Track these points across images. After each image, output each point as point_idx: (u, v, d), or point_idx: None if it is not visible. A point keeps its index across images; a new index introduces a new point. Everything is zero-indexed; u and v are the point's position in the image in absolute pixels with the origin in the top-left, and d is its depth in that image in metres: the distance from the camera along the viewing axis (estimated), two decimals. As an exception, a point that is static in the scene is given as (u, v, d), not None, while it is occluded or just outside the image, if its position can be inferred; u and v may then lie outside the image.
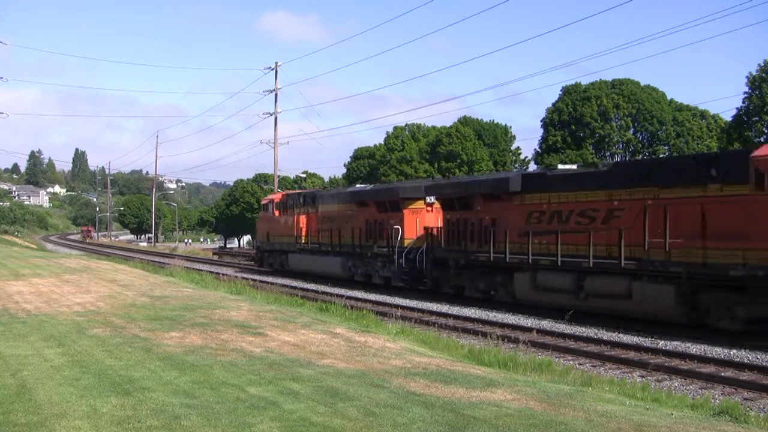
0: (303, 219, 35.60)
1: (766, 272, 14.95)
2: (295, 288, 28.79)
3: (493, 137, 78.29)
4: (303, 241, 35.30)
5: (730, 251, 15.74)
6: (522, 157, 79.13)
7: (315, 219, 34.50)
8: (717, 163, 16.52)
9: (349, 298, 24.21)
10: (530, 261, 20.96)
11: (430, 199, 27.55)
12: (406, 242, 27.45)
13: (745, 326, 15.87)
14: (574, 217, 19.90)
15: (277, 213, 39.22)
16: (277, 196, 40.87)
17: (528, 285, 21.19)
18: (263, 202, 43.72)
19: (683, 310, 17.08)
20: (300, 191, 43.05)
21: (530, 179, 21.90)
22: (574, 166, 22.80)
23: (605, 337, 16.74)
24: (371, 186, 34.04)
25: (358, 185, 38.00)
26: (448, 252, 24.80)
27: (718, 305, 16.38)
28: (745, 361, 13.99)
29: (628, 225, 18.12)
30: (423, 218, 27.72)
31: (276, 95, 51.58)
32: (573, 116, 68.23)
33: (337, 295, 25.15)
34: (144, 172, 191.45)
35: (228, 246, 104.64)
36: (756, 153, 15.66)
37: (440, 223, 26.13)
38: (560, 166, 23.19)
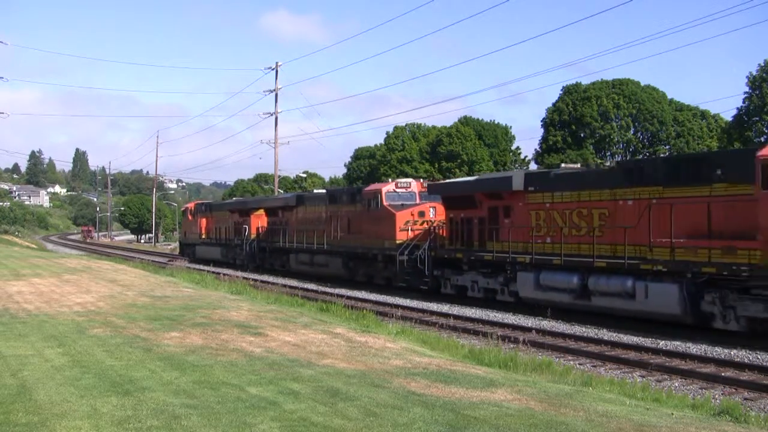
0: (203, 221, 50.45)
1: (368, 251, 29.05)
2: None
3: (494, 137, 78.25)
4: (203, 237, 50.27)
5: (356, 239, 30.01)
6: (522, 157, 79.17)
7: (211, 221, 49.45)
8: (358, 194, 30.36)
9: (350, 298, 24.27)
10: (295, 247, 35.54)
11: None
12: (252, 236, 41.66)
13: (366, 279, 29.94)
14: (313, 220, 34.34)
15: (190, 217, 53.36)
16: (191, 205, 55.94)
17: (296, 261, 36.08)
18: (182, 209, 60.98)
19: (347, 272, 31.14)
20: (204, 201, 60.10)
21: (300, 198, 36.76)
22: (323, 191, 37.40)
23: (605, 337, 16.74)
24: (237, 199, 53.52)
25: (235, 198, 55.76)
26: (266, 242, 39.80)
27: (357, 267, 30.59)
28: (746, 361, 13.98)
29: (327, 226, 32.47)
30: (263, 221, 41.17)
31: (276, 95, 51.64)
32: (573, 116, 68.18)
33: (338, 295, 25.20)
34: (144, 172, 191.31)
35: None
36: (365, 189, 30.18)
37: (266, 224, 40.94)
38: (315, 191, 40.86)
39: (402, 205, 27.64)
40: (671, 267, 16.88)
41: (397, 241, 26.67)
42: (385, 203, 27.95)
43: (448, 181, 29.50)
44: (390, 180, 31.91)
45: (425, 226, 26.76)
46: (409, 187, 28.36)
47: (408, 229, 26.86)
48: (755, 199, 15.21)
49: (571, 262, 19.53)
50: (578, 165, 23.90)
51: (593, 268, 18.87)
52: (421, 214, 27.23)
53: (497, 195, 22.64)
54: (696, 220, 16.55)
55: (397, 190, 28.33)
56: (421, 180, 30.50)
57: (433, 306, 22.87)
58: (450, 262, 24.58)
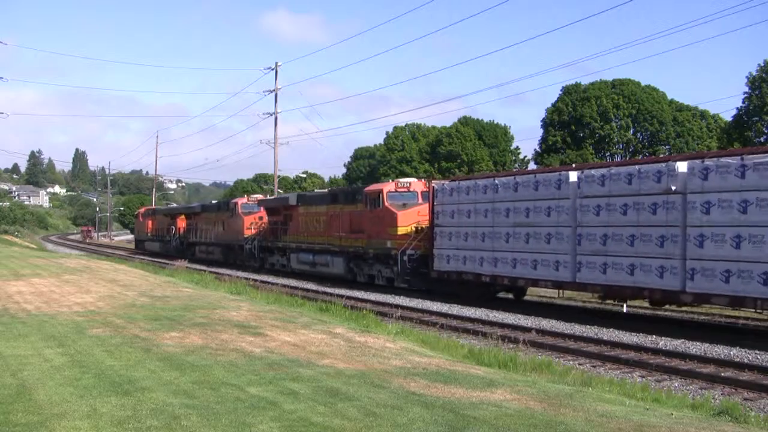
0: (150, 223, 65.40)
1: (231, 243, 44.34)
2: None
3: (494, 137, 78.26)
4: (149, 234, 65.25)
5: (226, 235, 44.65)
6: (522, 157, 79.16)
7: (155, 223, 64.18)
8: (228, 204, 45.73)
9: (350, 298, 24.27)
10: (198, 241, 51.00)
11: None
12: (177, 235, 55.42)
13: (232, 262, 44.26)
14: (210, 222, 48.16)
15: (141, 219, 69.14)
16: (142, 210, 73.44)
17: (199, 251, 51.04)
18: (135, 213, 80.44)
19: (224, 257, 45.88)
20: (151, 207, 78.26)
21: (203, 206, 51.81)
22: (215, 202, 52.88)
23: (605, 337, 16.75)
24: (169, 206, 75.53)
25: (172, 205, 72.43)
26: (184, 239, 54.16)
27: (228, 254, 45.43)
28: (745, 361, 13.98)
29: (215, 227, 47.26)
30: (184, 223, 55.09)
31: (276, 95, 51.70)
32: (573, 116, 68.20)
33: (338, 296, 25.19)
34: (144, 172, 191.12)
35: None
36: (230, 201, 45.86)
37: (185, 225, 55.04)
38: (213, 202, 55.67)
39: (250, 212, 42.18)
40: (339, 248, 31.31)
41: (245, 236, 41.53)
42: (239, 211, 42.65)
43: (267, 198, 43.84)
44: (245, 195, 47.81)
45: (262, 226, 40.70)
46: (257, 200, 42.68)
47: (252, 228, 41.60)
48: (363, 212, 29.25)
49: (309, 247, 34.15)
50: (326, 190, 39.03)
51: (316, 250, 33.43)
52: (261, 218, 41.11)
53: (286, 207, 36.94)
54: (348, 223, 30.59)
55: (249, 201, 43.32)
56: (267, 195, 47.87)
57: (433, 306, 22.91)
58: (268, 249, 39.37)
